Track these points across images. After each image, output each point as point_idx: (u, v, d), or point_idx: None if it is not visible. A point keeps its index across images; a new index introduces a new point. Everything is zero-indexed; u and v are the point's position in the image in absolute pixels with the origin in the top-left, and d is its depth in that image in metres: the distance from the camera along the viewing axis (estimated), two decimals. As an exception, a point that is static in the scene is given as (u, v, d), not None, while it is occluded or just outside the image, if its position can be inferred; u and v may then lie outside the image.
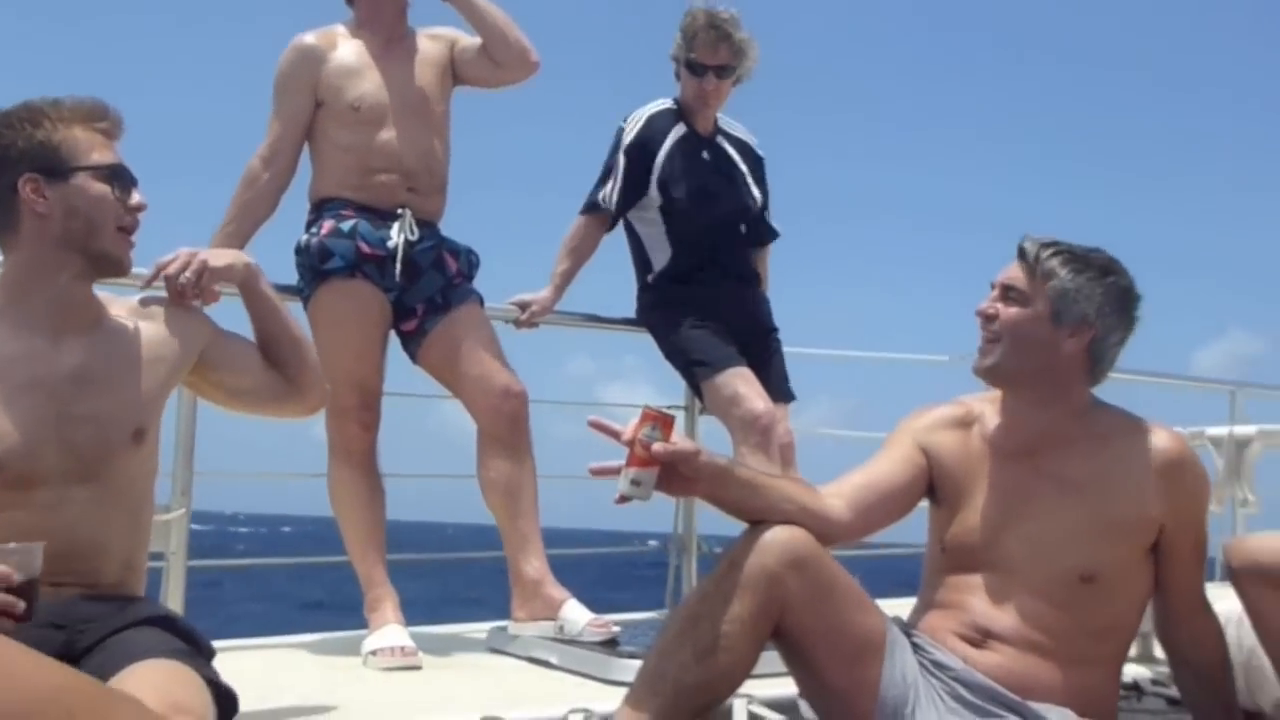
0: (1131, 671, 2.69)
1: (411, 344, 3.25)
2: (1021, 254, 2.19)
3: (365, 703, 2.52)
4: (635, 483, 1.93)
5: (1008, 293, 2.17)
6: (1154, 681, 2.89)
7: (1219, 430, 2.93)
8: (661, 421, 1.94)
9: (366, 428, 3.15)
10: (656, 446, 1.93)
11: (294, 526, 68.32)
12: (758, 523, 2.05)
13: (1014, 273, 2.19)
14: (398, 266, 3.12)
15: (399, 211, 3.16)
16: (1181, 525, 2.15)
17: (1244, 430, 2.88)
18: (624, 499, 1.94)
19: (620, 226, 3.68)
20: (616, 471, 1.94)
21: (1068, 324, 2.13)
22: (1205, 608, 2.23)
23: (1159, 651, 2.40)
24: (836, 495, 2.16)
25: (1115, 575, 2.13)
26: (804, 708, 2.25)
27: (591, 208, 3.65)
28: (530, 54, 3.28)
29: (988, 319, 2.19)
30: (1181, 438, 2.24)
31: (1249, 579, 2.14)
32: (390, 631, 2.98)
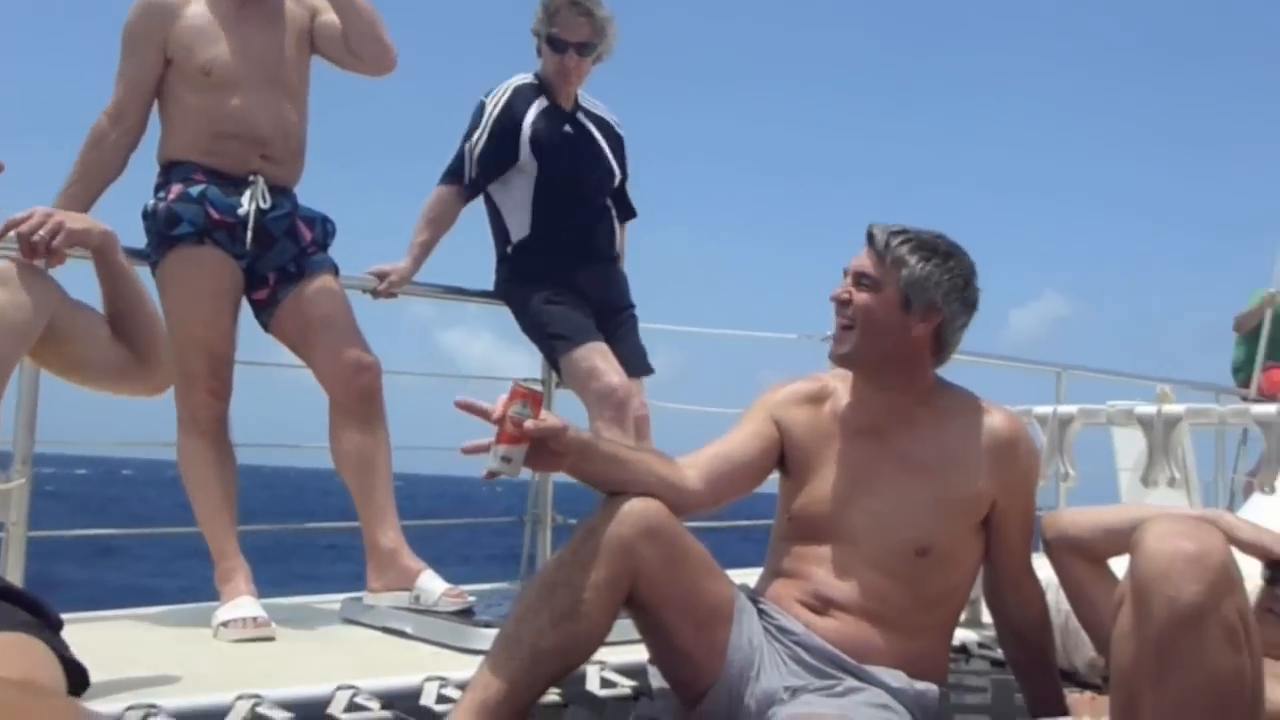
0: (960, 635, 2.83)
1: (263, 313, 3.21)
2: (871, 241, 2.26)
3: (218, 675, 2.50)
4: (505, 459, 1.96)
5: (860, 280, 2.25)
6: (981, 645, 3.06)
7: (1044, 409, 3.10)
8: (531, 398, 1.97)
9: (216, 396, 3.10)
10: (528, 423, 1.96)
11: (135, 470, 66.12)
12: (615, 494, 2.11)
13: (865, 260, 2.26)
14: (249, 234, 3.07)
15: (250, 178, 3.11)
16: (1012, 501, 2.29)
17: (1066, 409, 3.05)
18: (492, 475, 1.97)
19: (480, 198, 3.68)
20: (486, 449, 1.96)
21: (918, 310, 2.23)
22: (1031, 576, 2.37)
23: (986, 616, 2.54)
24: (692, 467, 2.23)
25: (949, 548, 2.25)
26: (653, 674, 2.34)
27: (451, 178, 3.64)
28: (389, 55, 3.25)
29: (842, 304, 2.26)
30: (1016, 418, 2.37)
31: (1061, 549, 2.27)
32: (242, 603, 2.96)
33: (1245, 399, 7.00)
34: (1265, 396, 6.94)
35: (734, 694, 2.16)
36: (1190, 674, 1.45)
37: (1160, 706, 1.47)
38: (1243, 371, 7.34)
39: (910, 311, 2.23)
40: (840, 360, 2.29)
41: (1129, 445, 5.99)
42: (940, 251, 2.25)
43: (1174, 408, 2.82)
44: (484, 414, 1.97)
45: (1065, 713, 2.24)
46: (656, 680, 2.32)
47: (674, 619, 2.15)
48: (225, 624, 2.90)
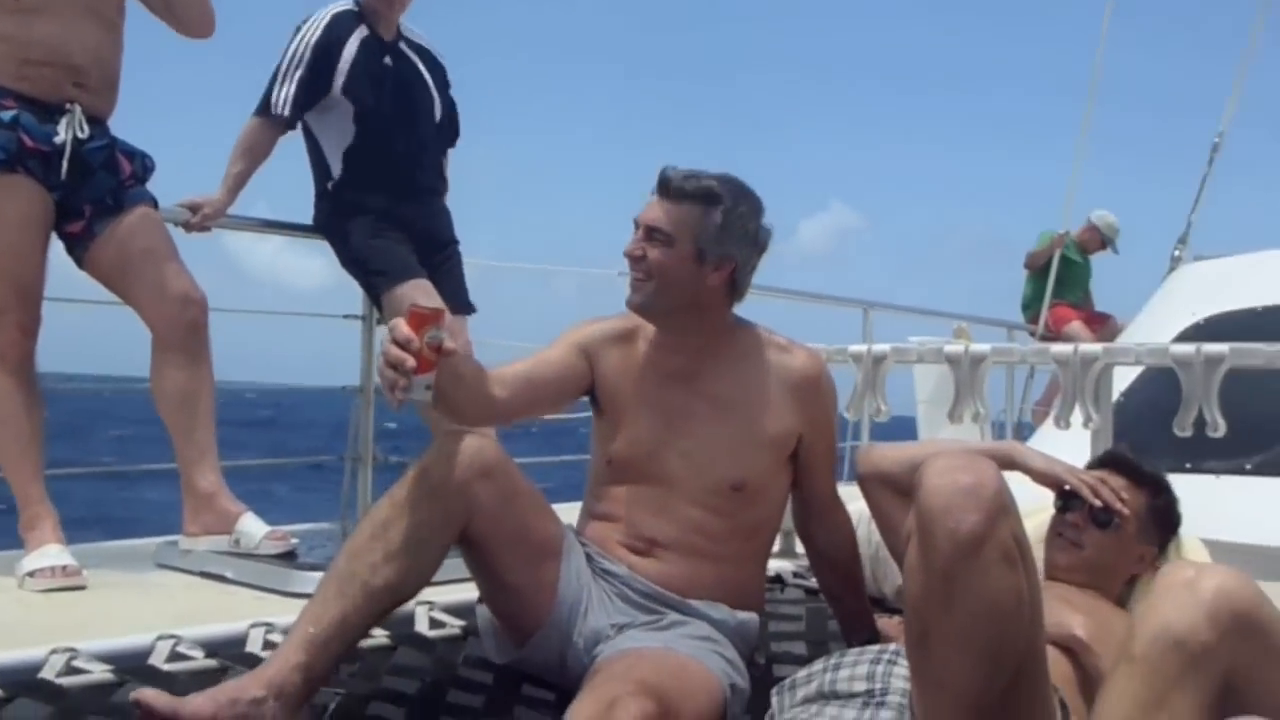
0: (775, 565, 2.93)
1: (78, 247, 3.04)
2: (663, 192, 2.27)
3: (27, 628, 2.39)
4: (428, 388, 1.93)
5: (653, 234, 2.25)
6: (795, 574, 3.19)
7: (858, 347, 3.22)
8: (437, 318, 1.94)
9: (25, 332, 2.94)
10: (447, 343, 1.94)
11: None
12: (449, 430, 2.13)
13: (657, 213, 2.26)
14: (64, 164, 2.91)
15: (67, 107, 2.94)
16: (817, 435, 2.40)
17: (880, 348, 3.18)
18: (401, 403, 1.94)
19: (299, 130, 3.57)
20: (408, 389, 1.92)
21: (711, 261, 2.26)
22: (838, 507, 2.50)
23: (799, 547, 2.66)
24: (499, 380, 2.26)
25: (761, 483, 2.35)
26: (481, 612, 2.36)
27: (266, 109, 3.51)
28: (209, 24, 3.15)
29: (636, 260, 2.28)
30: (817, 355, 2.46)
31: (872, 482, 2.39)
32: (49, 551, 2.83)
33: (1034, 335, 7.43)
34: (1052, 333, 7.39)
35: (564, 632, 2.21)
36: (974, 598, 1.54)
37: (949, 631, 1.56)
38: (1031, 308, 7.77)
39: (704, 263, 2.26)
40: (635, 310, 2.33)
41: (926, 379, 6.30)
42: (731, 198, 2.27)
43: (980, 347, 2.98)
44: (404, 347, 1.91)
45: (876, 636, 2.37)
46: (485, 618, 2.35)
47: (506, 556, 2.19)
48: (31, 574, 2.77)
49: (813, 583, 3.08)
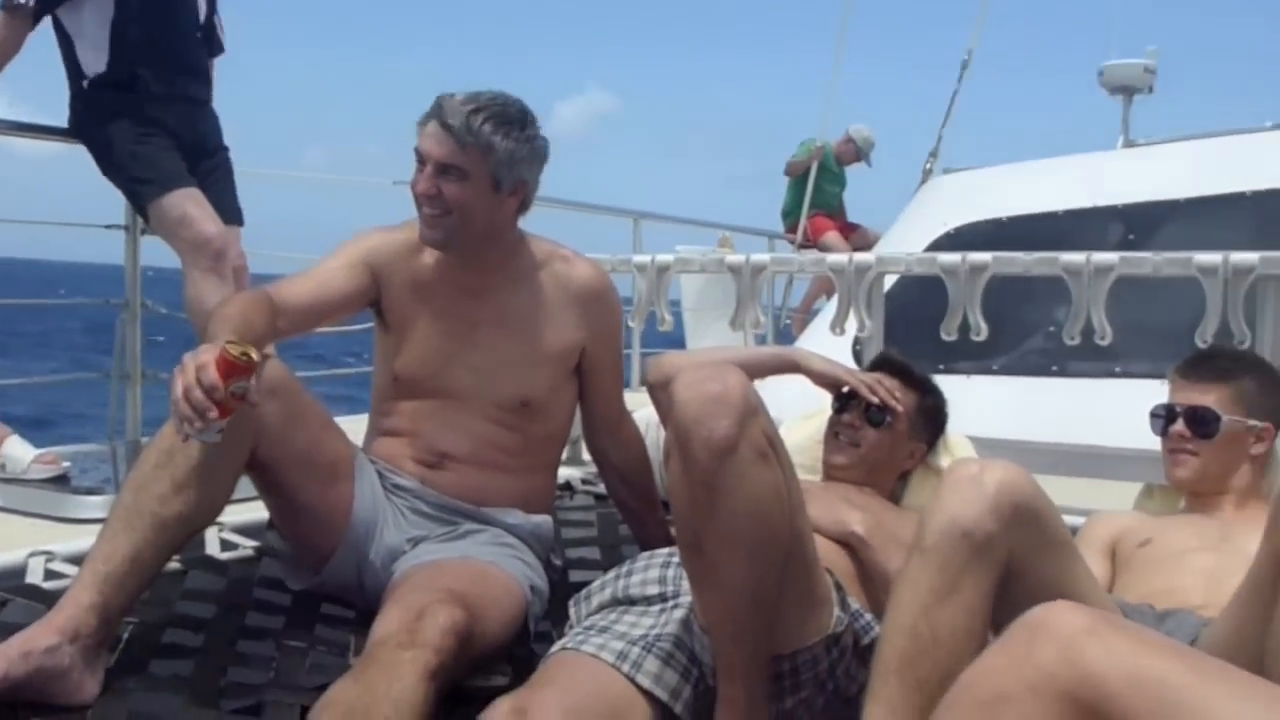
0: (564, 473, 2.99)
1: None
2: (448, 127, 2.19)
3: None
4: (220, 431, 1.84)
5: (445, 171, 2.19)
6: (583, 480, 3.26)
7: (643, 258, 3.28)
8: (249, 372, 1.84)
9: None
10: (251, 396, 1.86)
11: None
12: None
13: (448, 149, 2.19)
14: None
15: None
16: (603, 348, 2.44)
17: (664, 257, 3.25)
18: (187, 438, 1.86)
19: (49, 25, 3.29)
20: (205, 429, 1.82)
21: (507, 188, 2.24)
22: (626, 419, 2.55)
23: (586, 455, 2.72)
24: (281, 311, 2.18)
25: (549, 396, 2.38)
26: (273, 537, 2.32)
27: (9, 4, 3.21)
28: None
29: (430, 199, 2.21)
30: (600, 268, 2.49)
31: (661, 390, 2.42)
32: None
33: (793, 244, 7.72)
34: (810, 243, 7.69)
35: (360, 551, 2.20)
36: (735, 499, 1.61)
37: (718, 534, 1.63)
38: (791, 216, 8.04)
39: (500, 192, 2.24)
40: (437, 247, 2.29)
41: (691, 288, 6.47)
42: (516, 121, 2.23)
43: (760, 257, 3.08)
44: (209, 394, 1.80)
45: (669, 539, 2.45)
46: (278, 544, 2.31)
47: (297, 477, 2.15)
48: None
49: (601, 489, 3.16)
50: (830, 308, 4.86)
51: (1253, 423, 2.25)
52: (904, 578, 1.65)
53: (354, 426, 2.39)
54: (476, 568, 2.11)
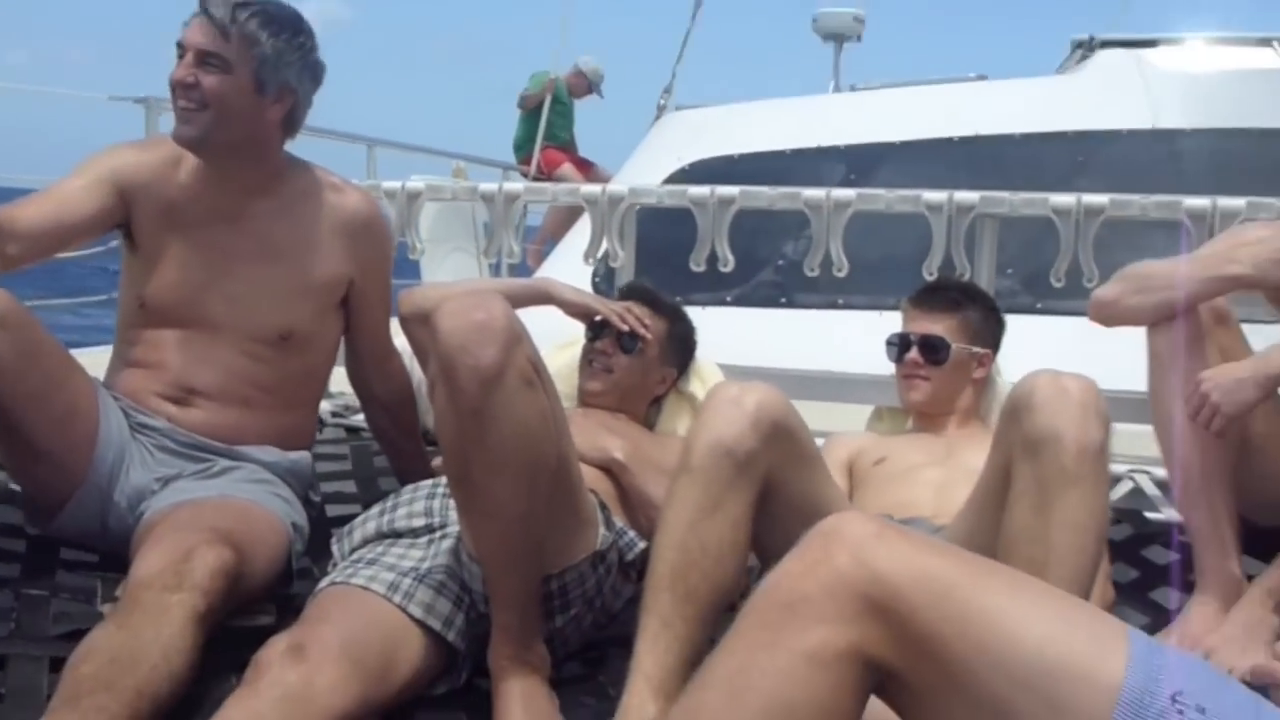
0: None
1: None
2: (210, 15, 2.09)
3: None
4: None
5: (207, 60, 2.08)
6: (333, 414, 3.18)
7: (392, 184, 3.20)
8: None
9: None
10: None
11: None
12: None
13: (209, 36, 2.08)
14: None
15: None
16: (370, 279, 2.35)
17: (415, 184, 3.18)
18: None
19: None
20: None
21: (272, 92, 2.13)
22: (393, 353, 2.50)
23: (334, 387, 2.63)
24: (11, 235, 2.03)
25: (311, 329, 2.28)
26: (2, 480, 2.16)
27: None
28: None
29: (187, 88, 2.09)
30: (371, 197, 2.42)
31: (415, 322, 2.39)
32: None
33: (527, 176, 7.70)
34: (544, 175, 7.71)
35: (104, 492, 2.08)
36: (504, 425, 1.63)
37: (487, 461, 1.64)
38: (524, 149, 8.03)
39: (264, 94, 2.13)
40: (187, 144, 2.15)
41: (426, 219, 6.36)
42: (288, 25, 2.15)
43: (514, 185, 3.07)
44: None
45: (431, 472, 2.43)
46: (10, 485, 2.16)
47: (32, 417, 2.01)
48: None
49: (353, 421, 3.09)
50: (571, 238, 4.91)
51: (976, 349, 2.45)
52: (672, 497, 1.72)
53: (101, 359, 2.24)
54: (239, 506, 2.02)
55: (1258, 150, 4.61)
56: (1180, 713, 1.00)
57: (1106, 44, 5.40)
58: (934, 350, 2.43)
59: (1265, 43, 5.18)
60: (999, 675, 1.04)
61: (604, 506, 1.96)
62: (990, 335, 2.51)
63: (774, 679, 1.07)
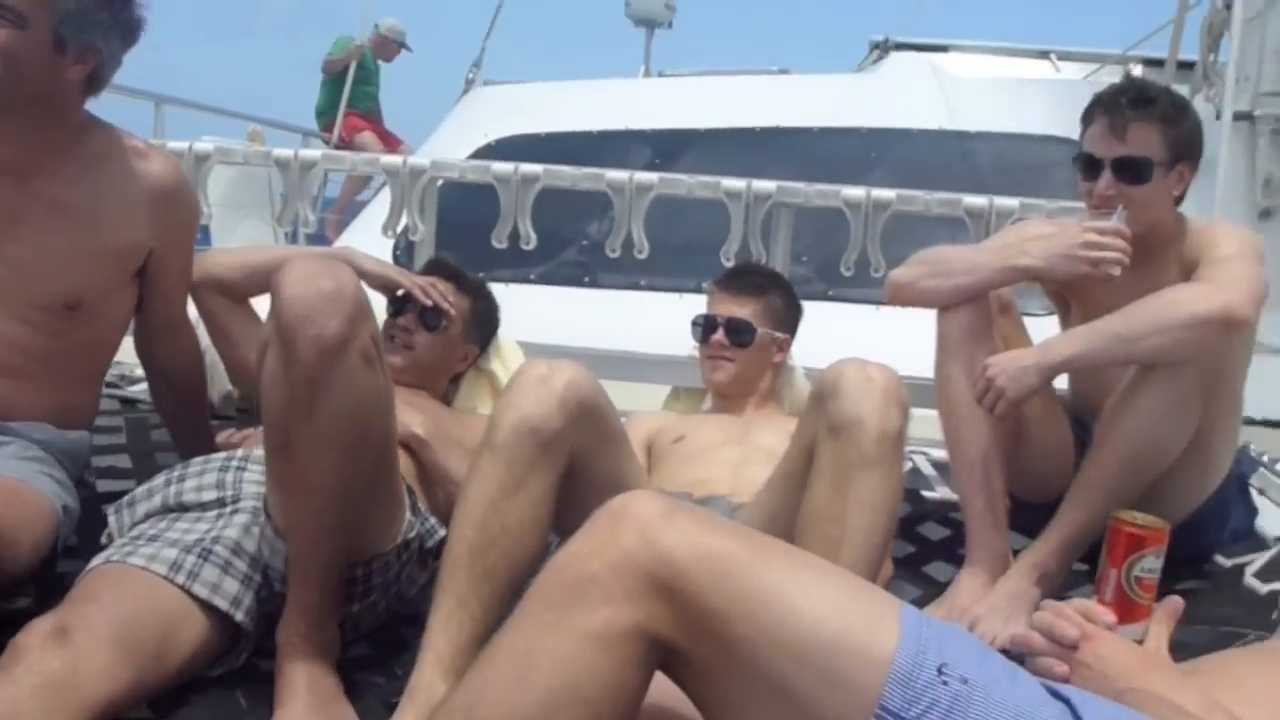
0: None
1: None
2: None
3: None
4: None
5: (1, 11, 1.88)
6: (107, 383, 2.99)
7: (180, 144, 3.05)
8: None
9: None
10: None
11: None
12: None
13: None
14: None
15: None
16: (171, 249, 2.20)
17: (203, 146, 3.04)
18: None
19: None
20: None
21: (73, 52, 1.96)
22: (187, 328, 2.36)
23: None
24: None
25: (100, 300, 2.11)
26: None
27: None
28: None
29: None
30: (177, 164, 2.25)
31: (206, 289, 2.32)
32: None
33: (328, 143, 7.49)
34: (345, 142, 7.51)
35: None
36: (338, 398, 1.59)
37: (314, 433, 1.60)
38: (326, 115, 7.81)
39: (64, 54, 1.95)
40: None
41: (218, 183, 6.12)
42: None
43: (311, 152, 2.98)
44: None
45: (215, 446, 2.33)
46: None
47: None
48: None
49: (125, 392, 2.94)
50: (371, 209, 4.81)
51: (778, 334, 2.52)
52: (474, 474, 1.70)
53: None
54: (5, 485, 1.88)
55: (1035, 153, 4.89)
56: (945, 683, 1.04)
57: (901, 46, 5.63)
58: (739, 333, 2.49)
59: (1043, 55, 5.50)
60: (777, 652, 1.06)
61: (411, 492, 1.94)
62: (791, 321, 2.59)
63: (560, 660, 1.08)
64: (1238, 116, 4.23)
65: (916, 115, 5.04)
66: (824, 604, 1.09)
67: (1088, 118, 2.23)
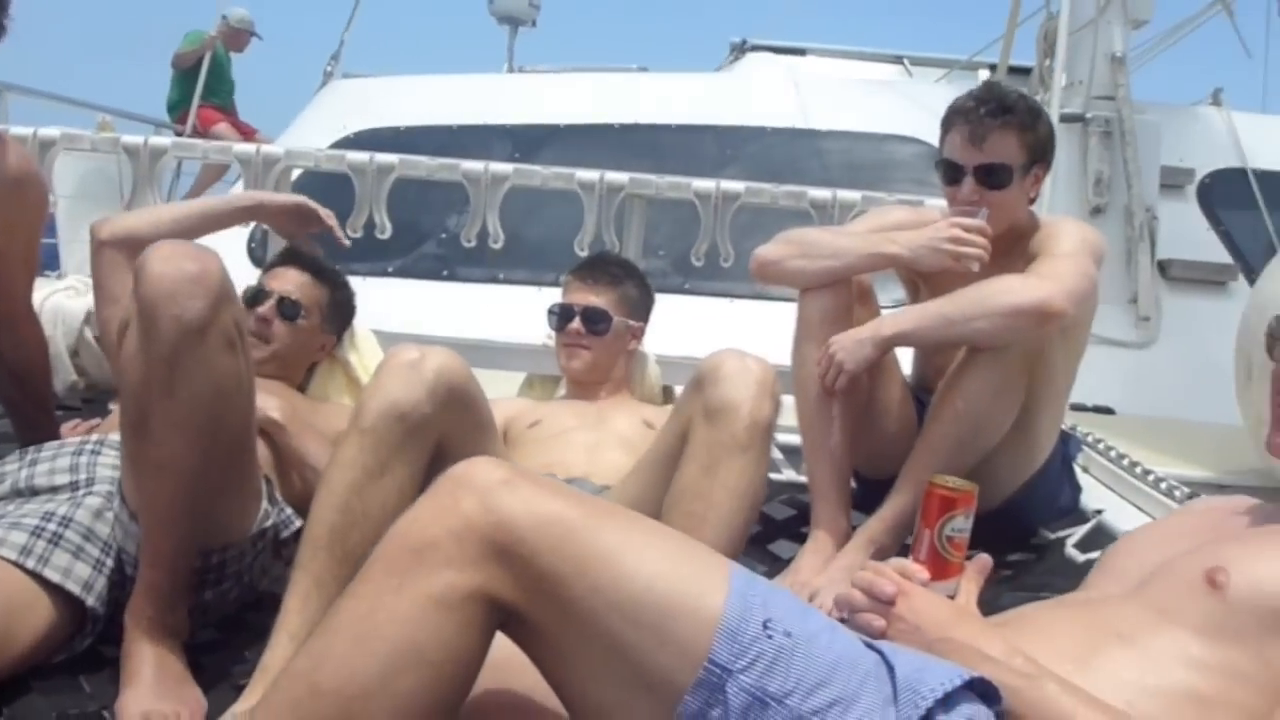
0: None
1: None
2: None
3: None
4: None
5: None
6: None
7: (23, 130, 2.97)
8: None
9: None
10: None
11: None
12: None
13: None
14: None
15: None
16: (16, 240, 2.17)
17: (49, 132, 2.96)
18: None
19: None
20: None
21: None
22: (32, 319, 2.31)
23: None
24: None
25: None
26: None
27: None
28: None
29: None
30: (27, 154, 2.21)
31: (114, 245, 2.24)
32: None
33: (181, 134, 7.30)
34: (200, 134, 7.33)
35: None
36: (197, 380, 1.59)
37: (171, 415, 1.59)
38: (179, 108, 7.60)
39: None
40: None
41: (66, 175, 5.92)
42: None
43: (160, 140, 2.93)
44: None
45: (59, 437, 2.28)
46: None
47: None
48: None
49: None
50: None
51: (633, 323, 2.59)
52: (338, 458, 1.70)
53: None
54: None
55: (884, 151, 5.07)
56: (770, 637, 1.11)
57: (758, 48, 5.77)
58: (595, 322, 2.54)
59: (897, 60, 5.70)
60: (612, 611, 1.12)
61: (269, 481, 1.94)
62: (644, 309, 2.65)
63: (401, 623, 1.11)
64: (1071, 119, 4.46)
65: (772, 114, 5.17)
66: (656, 564, 1.15)
67: (947, 125, 2.31)
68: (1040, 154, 2.31)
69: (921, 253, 2.24)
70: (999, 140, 2.24)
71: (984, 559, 1.41)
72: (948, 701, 1.13)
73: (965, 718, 1.13)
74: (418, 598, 1.11)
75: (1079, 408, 3.72)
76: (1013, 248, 2.31)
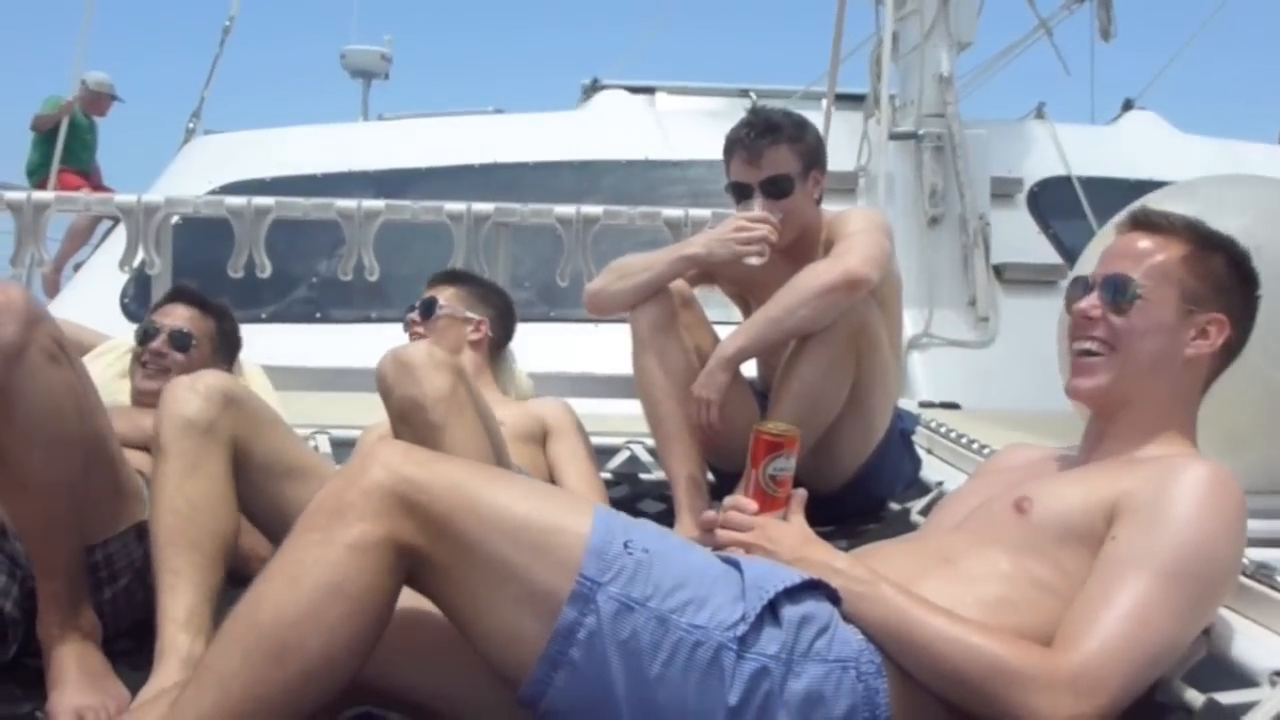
0: None
1: None
2: None
3: None
4: None
5: None
6: None
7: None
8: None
9: None
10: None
11: None
12: None
13: None
14: None
15: None
16: None
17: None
18: None
19: None
20: None
21: None
22: None
23: None
24: None
25: None
26: None
27: None
28: None
29: None
30: None
31: None
32: None
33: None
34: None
35: None
36: (30, 398, 1.68)
37: (15, 435, 1.69)
38: (39, 173, 7.53)
39: None
40: None
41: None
42: None
43: (44, 195, 3.03)
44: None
45: None
46: None
47: None
48: None
49: None
50: (108, 246, 4.77)
51: (469, 314, 2.79)
52: (155, 473, 1.87)
53: None
54: None
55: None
56: (630, 554, 1.36)
57: (608, 87, 6.04)
58: (428, 310, 2.79)
59: (744, 93, 6.02)
60: (500, 538, 1.36)
61: (149, 482, 2.06)
62: (486, 305, 2.87)
63: (325, 565, 1.32)
64: (904, 136, 4.76)
65: (627, 147, 5.42)
66: (532, 501, 1.41)
67: (729, 153, 2.59)
68: (814, 159, 2.58)
69: (714, 246, 2.50)
70: (774, 155, 2.51)
71: (801, 493, 1.64)
72: (792, 595, 1.37)
73: (808, 609, 1.38)
74: (338, 545, 1.33)
75: (927, 405, 3.99)
76: (811, 245, 2.58)
